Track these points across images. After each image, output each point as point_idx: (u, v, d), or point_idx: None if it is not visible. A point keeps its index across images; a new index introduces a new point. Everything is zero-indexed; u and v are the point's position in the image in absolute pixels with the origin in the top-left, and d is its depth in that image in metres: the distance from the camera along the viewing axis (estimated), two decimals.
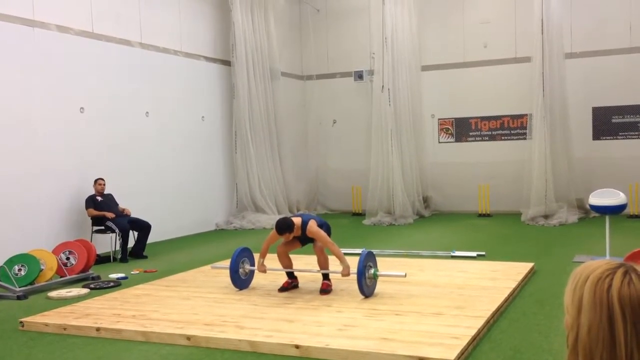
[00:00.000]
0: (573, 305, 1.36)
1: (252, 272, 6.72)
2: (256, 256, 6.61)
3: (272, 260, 6.71)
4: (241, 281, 6.58)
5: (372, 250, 6.34)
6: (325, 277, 6.39)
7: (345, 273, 6.06)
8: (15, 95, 8.54)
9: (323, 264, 6.34)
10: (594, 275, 1.35)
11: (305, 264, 7.00)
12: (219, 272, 7.19)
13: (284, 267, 6.51)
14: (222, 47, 12.68)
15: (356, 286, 5.93)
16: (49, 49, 9.01)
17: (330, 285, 6.34)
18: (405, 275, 6.28)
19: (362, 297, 5.95)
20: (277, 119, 13.61)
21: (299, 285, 6.58)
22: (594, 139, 13.08)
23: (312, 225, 6.22)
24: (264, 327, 5.09)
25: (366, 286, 5.96)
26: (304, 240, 6.44)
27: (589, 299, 1.33)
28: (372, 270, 6.04)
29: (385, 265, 7.07)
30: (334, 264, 6.38)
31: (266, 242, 6.41)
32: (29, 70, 8.72)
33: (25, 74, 8.68)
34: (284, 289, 6.43)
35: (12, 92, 8.50)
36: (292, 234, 6.18)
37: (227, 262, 6.82)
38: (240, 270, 6.57)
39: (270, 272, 6.56)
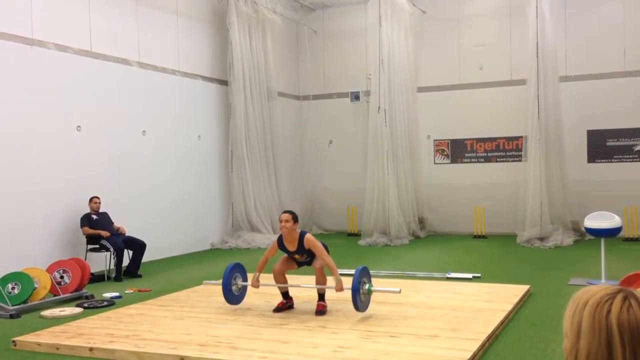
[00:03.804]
0: (572, 329, 1.36)
1: (244, 287, 6.68)
2: (249, 275, 6.58)
3: (267, 279, 6.67)
4: (234, 297, 6.54)
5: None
6: (321, 298, 6.37)
7: (339, 288, 6.04)
8: (13, 113, 8.55)
9: (321, 284, 6.32)
10: (593, 300, 1.35)
11: (300, 283, 6.96)
12: (214, 292, 7.15)
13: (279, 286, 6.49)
14: (220, 67, 12.75)
15: (351, 307, 5.91)
16: (47, 67, 9.04)
17: (325, 306, 6.32)
18: (400, 291, 6.27)
19: (357, 317, 5.93)
20: (273, 138, 13.64)
21: (294, 305, 6.55)
22: (588, 162, 13.15)
23: (310, 236, 6.23)
24: (259, 348, 5.05)
25: (360, 302, 5.94)
26: (300, 262, 6.43)
27: (588, 324, 1.33)
28: (366, 286, 6.04)
29: (381, 286, 7.03)
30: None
31: (264, 256, 6.41)
32: (26, 88, 8.73)
33: (23, 92, 8.69)
34: (278, 309, 6.40)
35: (9, 110, 8.50)
36: (292, 224, 6.16)
37: (220, 281, 6.78)
38: (233, 286, 6.53)
39: (265, 292, 6.52)
